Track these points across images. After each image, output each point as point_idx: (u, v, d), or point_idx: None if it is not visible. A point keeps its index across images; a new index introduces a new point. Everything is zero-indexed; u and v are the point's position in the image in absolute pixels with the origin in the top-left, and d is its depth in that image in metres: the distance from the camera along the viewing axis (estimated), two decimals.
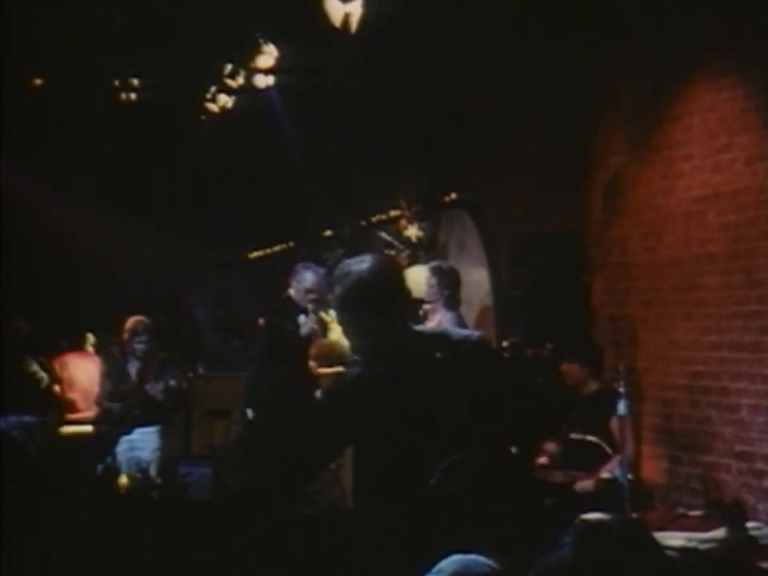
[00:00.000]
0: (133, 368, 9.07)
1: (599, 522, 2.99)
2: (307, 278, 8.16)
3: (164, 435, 8.93)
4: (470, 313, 9.39)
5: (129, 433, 8.75)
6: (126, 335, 9.17)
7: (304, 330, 8.14)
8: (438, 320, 8.38)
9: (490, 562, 3.33)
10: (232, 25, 9.30)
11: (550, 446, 7.34)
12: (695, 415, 7.13)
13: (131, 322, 9.19)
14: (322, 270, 8.33)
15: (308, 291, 8.11)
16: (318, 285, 8.10)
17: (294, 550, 4.98)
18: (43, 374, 9.48)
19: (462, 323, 8.59)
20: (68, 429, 9.86)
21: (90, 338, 10.57)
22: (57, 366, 10.04)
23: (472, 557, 3.34)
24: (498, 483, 3.47)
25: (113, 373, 9.19)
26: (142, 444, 8.75)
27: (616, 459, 6.57)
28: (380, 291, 3.81)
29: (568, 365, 7.49)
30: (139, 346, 9.06)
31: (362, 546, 4.04)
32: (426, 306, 8.47)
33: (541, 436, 6.60)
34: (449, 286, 8.65)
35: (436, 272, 8.69)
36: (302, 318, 8.16)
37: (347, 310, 3.88)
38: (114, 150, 12.38)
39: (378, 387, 3.79)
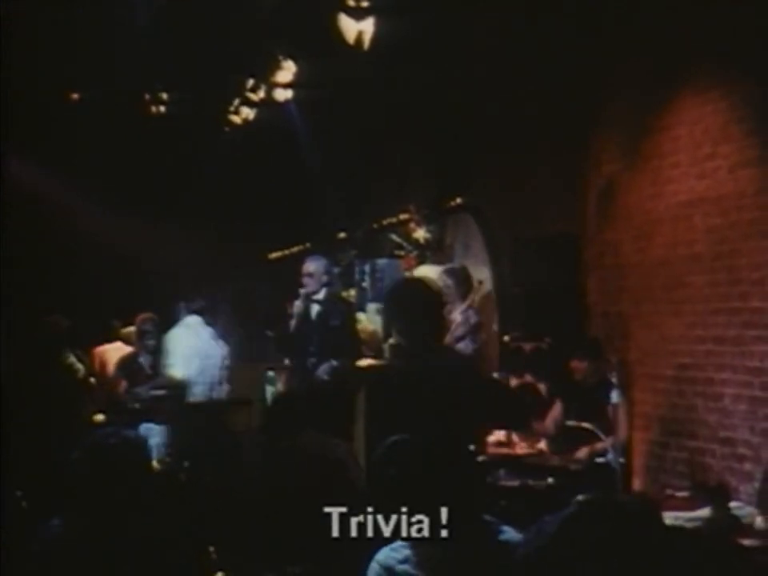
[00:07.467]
0: (146, 362, 9.10)
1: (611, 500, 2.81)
2: (305, 265, 8.53)
3: None
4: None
5: (150, 420, 8.77)
6: (135, 331, 9.20)
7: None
8: (452, 318, 8.19)
9: (408, 552, 3.24)
10: (253, 43, 9.36)
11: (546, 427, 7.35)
12: (682, 404, 7.17)
13: (139, 319, 9.19)
14: (323, 259, 8.68)
15: (306, 275, 8.45)
16: (316, 270, 8.47)
17: (311, 535, 4.97)
18: (80, 366, 9.49)
19: (476, 313, 8.52)
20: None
21: (131, 329, 10.61)
22: (96, 358, 10.04)
23: (394, 545, 3.25)
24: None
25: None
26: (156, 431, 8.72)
27: (609, 439, 6.58)
28: (422, 312, 4.63)
29: (578, 362, 7.30)
30: (150, 342, 9.08)
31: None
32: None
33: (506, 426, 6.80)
34: (463, 283, 8.53)
35: (450, 274, 8.52)
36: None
37: (392, 312, 4.85)
38: (146, 158, 12.46)
39: (392, 377, 4.66)
